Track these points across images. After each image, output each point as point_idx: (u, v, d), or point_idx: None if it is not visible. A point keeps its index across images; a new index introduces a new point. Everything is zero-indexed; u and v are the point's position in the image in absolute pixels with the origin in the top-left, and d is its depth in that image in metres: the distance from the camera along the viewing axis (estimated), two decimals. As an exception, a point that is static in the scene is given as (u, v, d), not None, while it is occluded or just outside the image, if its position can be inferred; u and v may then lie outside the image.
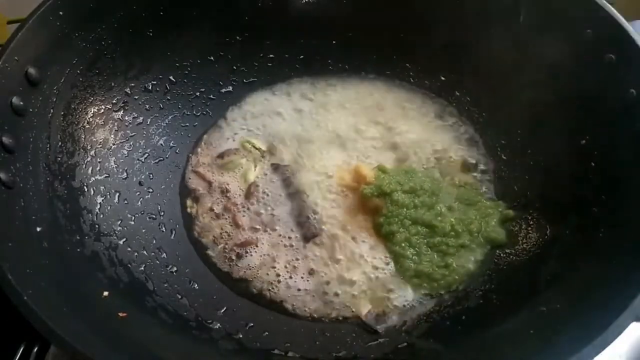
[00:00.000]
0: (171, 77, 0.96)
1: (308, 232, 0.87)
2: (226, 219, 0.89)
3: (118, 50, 0.86)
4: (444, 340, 0.74)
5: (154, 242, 0.85)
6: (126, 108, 0.90)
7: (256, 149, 0.96)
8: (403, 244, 0.83)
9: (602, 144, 0.77)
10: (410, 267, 0.82)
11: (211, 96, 1.01)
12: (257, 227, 0.88)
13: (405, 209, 0.85)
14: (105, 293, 0.71)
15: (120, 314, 0.69)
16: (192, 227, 0.89)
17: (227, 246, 0.87)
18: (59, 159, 0.78)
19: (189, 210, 0.91)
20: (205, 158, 0.96)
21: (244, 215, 0.89)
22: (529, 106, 0.89)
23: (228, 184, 0.93)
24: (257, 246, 0.86)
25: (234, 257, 0.86)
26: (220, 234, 0.88)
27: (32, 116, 0.73)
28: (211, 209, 0.90)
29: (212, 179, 0.93)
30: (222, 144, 0.98)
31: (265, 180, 0.93)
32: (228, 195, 0.92)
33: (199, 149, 0.97)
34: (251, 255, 0.85)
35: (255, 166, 0.95)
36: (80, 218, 0.77)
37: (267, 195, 0.91)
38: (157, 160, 0.93)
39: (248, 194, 0.91)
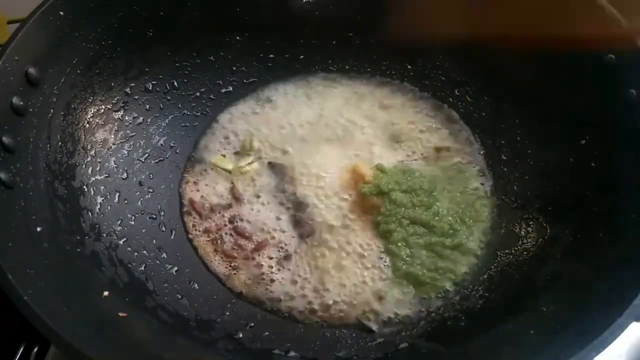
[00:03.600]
0: (171, 78, 0.96)
1: (304, 230, 0.86)
2: (229, 224, 0.89)
3: (118, 50, 0.86)
4: (444, 341, 0.74)
5: (154, 242, 0.85)
6: (126, 108, 0.90)
7: (254, 148, 0.96)
8: (399, 244, 0.83)
9: (602, 144, 0.77)
10: (401, 268, 0.82)
11: (211, 96, 1.01)
12: (253, 225, 0.88)
13: (403, 208, 0.85)
14: (105, 293, 0.70)
15: (120, 314, 0.69)
16: (192, 227, 0.89)
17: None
18: (59, 159, 0.77)
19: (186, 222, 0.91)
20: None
21: (241, 215, 0.89)
22: (529, 106, 0.89)
23: (224, 188, 0.93)
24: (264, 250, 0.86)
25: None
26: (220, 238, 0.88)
27: (32, 116, 0.73)
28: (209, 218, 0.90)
29: (205, 213, 0.91)
30: (220, 144, 0.98)
31: (262, 178, 0.93)
32: (225, 197, 0.92)
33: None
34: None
35: (253, 165, 0.95)
36: (80, 218, 0.77)
37: (263, 194, 0.91)
38: (157, 160, 0.93)
39: (238, 194, 0.91)
